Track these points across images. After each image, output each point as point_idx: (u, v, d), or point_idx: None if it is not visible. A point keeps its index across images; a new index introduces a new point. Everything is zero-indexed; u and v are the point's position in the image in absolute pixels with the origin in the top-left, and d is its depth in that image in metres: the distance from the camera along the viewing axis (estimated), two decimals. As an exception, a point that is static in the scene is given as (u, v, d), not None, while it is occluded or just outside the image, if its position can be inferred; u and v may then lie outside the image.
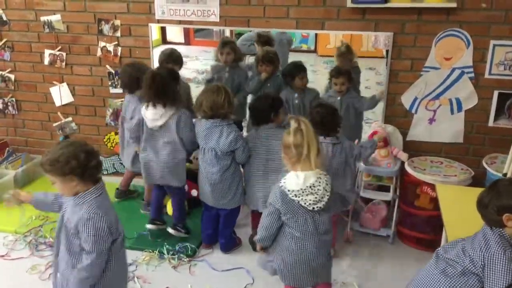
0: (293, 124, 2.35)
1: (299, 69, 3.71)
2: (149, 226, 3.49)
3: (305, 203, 2.34)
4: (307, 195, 2.33)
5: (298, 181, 2.32)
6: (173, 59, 3.82)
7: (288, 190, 2.34)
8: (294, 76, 3.67)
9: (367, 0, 3.28)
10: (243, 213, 3.57)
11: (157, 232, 3.50)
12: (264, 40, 4.01)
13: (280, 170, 2.53)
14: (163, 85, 3.13)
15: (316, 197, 2.34)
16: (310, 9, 3.47)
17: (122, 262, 2.34)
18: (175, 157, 3.27)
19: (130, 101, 3.57)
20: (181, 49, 3.98)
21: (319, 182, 2.35)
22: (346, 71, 3.62)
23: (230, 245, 3.42)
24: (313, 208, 2.35)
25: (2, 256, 3.39)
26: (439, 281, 1.93)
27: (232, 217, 3.38)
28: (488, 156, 3.42)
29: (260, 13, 3.57)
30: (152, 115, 3.19)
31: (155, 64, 3.93)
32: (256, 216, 3.35)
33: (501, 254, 1.78)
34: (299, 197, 2.33)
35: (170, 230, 3.45)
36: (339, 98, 3.61)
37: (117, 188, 4.06)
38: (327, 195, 2.37)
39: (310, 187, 2.33)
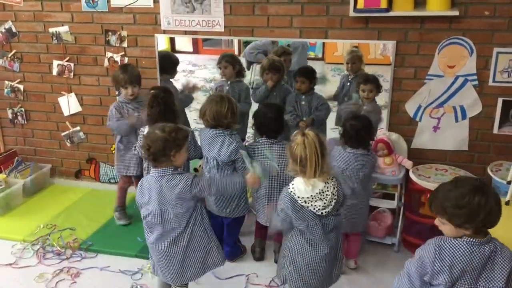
0: (299, 138, 2.35)
1: (297, 72, 3.89)
2: None
3: (314, 209, 2.37)
4: (316, 201, 2.36)
5: (307, 188, 2.34)
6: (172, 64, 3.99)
7: (298, 197, 2.36)
8: (295, 79, 3.85)
9: (369, 9, 3.28)
10: (248, 220, 3.59)
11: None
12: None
13: (287, 182, 2.52)
14: (165, 105, 3.19)
15: (324, 203, 2.37)
16: (313, 19, 3.49)
17: None
18: None
19: None
20: (190, 58, 4.04)
21: (327, 187, 2.38)
22: (374, 78, 3.68)
23: (235, 253, 3.43)
24: (322, 213, 2.38)
25: (10, 264, 3.44)
26: None
27: (236, 226, 3.39)
28: (493, 163, 3.41)
29: (264, 22, 3.60)
30: None
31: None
32: (259, 226, 3.37)
33: None
34: (308, 203, 2.36)
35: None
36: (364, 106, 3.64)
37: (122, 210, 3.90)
38: (335, 199, 2.41)
39: (319, 193, 2.36)
